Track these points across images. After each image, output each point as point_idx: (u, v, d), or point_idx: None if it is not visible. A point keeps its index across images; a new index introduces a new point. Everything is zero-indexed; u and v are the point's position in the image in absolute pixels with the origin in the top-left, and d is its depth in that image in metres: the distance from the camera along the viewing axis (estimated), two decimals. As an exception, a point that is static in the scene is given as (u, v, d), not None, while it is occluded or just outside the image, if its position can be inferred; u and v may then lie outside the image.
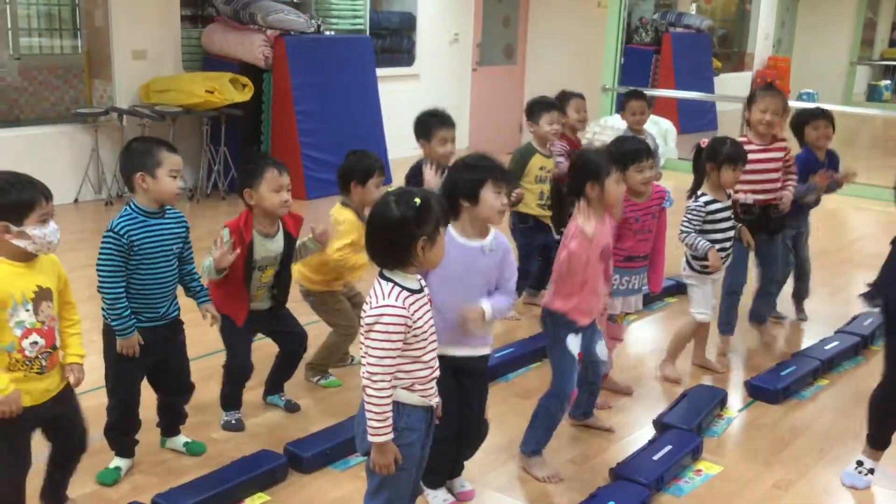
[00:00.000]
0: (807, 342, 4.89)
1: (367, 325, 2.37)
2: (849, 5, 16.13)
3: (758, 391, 4.17)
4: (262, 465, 3.26)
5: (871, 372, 4.56)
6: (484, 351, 3.04)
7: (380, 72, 8.74)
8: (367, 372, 2.37)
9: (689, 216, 4.11)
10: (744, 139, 4.45)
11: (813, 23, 16.20)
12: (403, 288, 2.40)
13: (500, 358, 4.27)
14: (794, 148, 4.81)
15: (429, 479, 3.08)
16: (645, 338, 5.01)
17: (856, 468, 3.42)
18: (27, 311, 2.64)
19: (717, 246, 4.09)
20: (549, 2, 10.96)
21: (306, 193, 7.54)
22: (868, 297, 3.46)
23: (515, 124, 10.80)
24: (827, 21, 16.06)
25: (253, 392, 3.87)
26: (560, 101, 5.29)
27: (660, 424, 3.75)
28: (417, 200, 2.38)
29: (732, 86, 13.91)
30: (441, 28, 10.06)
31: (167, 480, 3.22)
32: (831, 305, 5.49)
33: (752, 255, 4.58)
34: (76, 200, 7.35)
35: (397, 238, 2.39)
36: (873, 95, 16.71)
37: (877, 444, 3.39)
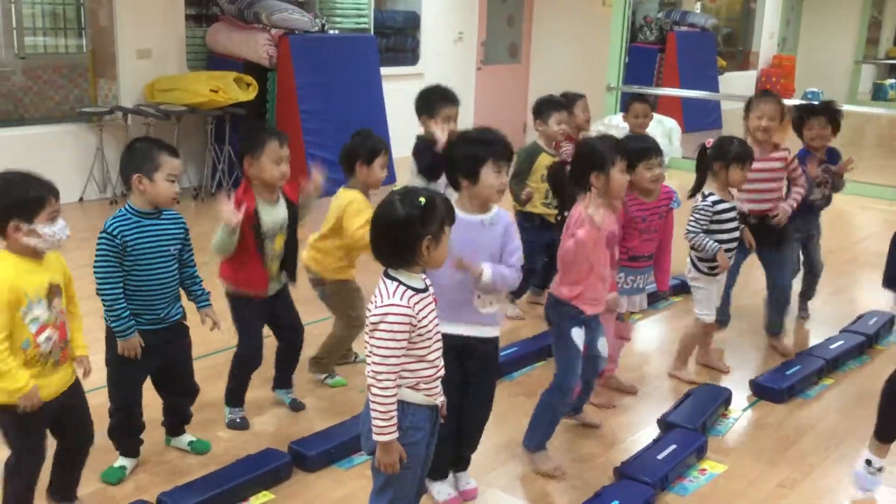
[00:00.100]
0: (812, 341, 4.88)
1: (372, 324, 2.37)
2: (854, 4, 16.10)
3: (762, 390, 4.16)
4: (267, 464, 3.26)
5: (876, 371, 4.55)
6: (491, 332, 3.03)
7: (384, 71, 8.74)
8: (372, 371, 2.37)
9: (697, 216, 4.08)
10: None
11: (818, 21, 16.17)
12: (408, 287, 2.40)
13: (504, 356, 4.26)
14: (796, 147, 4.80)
15: (430, 471, 3.07)
16: (650, 337, 5.01)
17: (865, 467, 3.35)
18: (41, 307, 2.69)
19: (724, 246, 4.08)
20: (553, 0, 10.95)
21: (310, 192, 7.55)
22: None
23: (520, 123, 10.79)
24: (832, 20, 16.03)
25: (257, 391, 3.88)
26: (568, 103, 5.29)
27: (664, 423, 3.75)
28: (422, 200, 2.38)
29: (737, 85, 13.89)
30: (445, 27, 10.05)
31: (172, 479, 3.23)
32: (836, 305, 5.48)
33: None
34: (81, 199, 7.36)
35: (402, 237, 2.39)
36: (878, 94, 16.69)
37: (884, 436, 3.32)
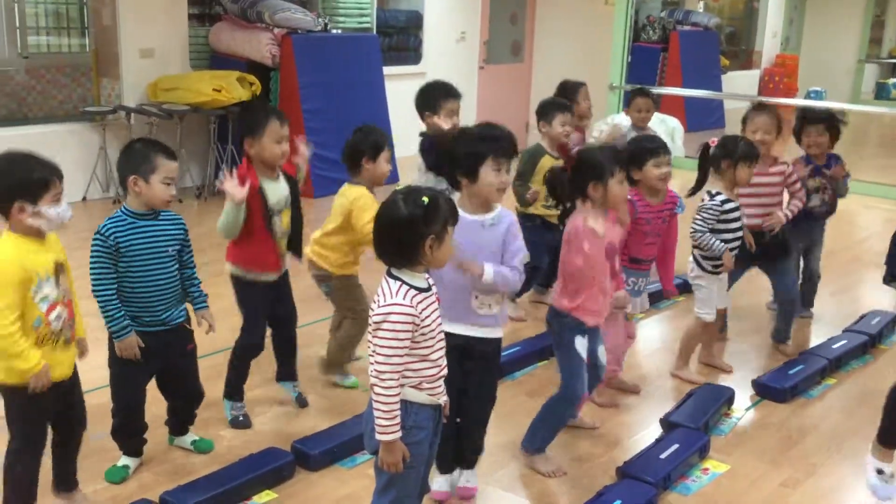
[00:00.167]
0: (814, 341, 4.88)
1: (375, 323, 2.37)
2: (857, 3, 16.08)
3: (765, 390, 4.16)
4: (270, 463, 3.26)
5: (879, 371, 4.55)
6: (493, 333, 3.02)
7: (387, 70, 8.74)
8: (375, 370, 2.37)
9: (704, 215, 4.06)
10: None
11: (821, 21, 16.14)
12: (411, 286, 2.40)
13: (507, 356, 4.25)
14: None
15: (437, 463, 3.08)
16: (652, 336, 5.00)
17: (878, 477, 3.29)
18: (50, 285, 2.74)
19: (728, 246, 4.08)
20: (556, 0, 10.95)
21: (313, 192, 7.56)
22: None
23: (522, 122, 10.78)
24: (835, 19, 16.01)
25: (260, 390, 3.88)
26: (570, 93, 5.30)
27: (667, 423, 3.75)
28: (426, 199, 2.38)
29: (740, 84, 13.89)
30: (448, 26, 10.05)
31: (175, 478, 3.23)
32: (839, 304, 5.48)
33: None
34: (84, 199, 7.37)
35: (405, 237, 2.39)
36: (881, 94, 16.65)
37: (888, 441, 3.29)
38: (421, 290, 2.42)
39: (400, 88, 8.84)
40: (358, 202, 3.72)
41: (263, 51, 7.80)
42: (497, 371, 3.24)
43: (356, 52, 8.38)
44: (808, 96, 13.79)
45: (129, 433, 3.29)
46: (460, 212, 2.68)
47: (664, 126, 6.86)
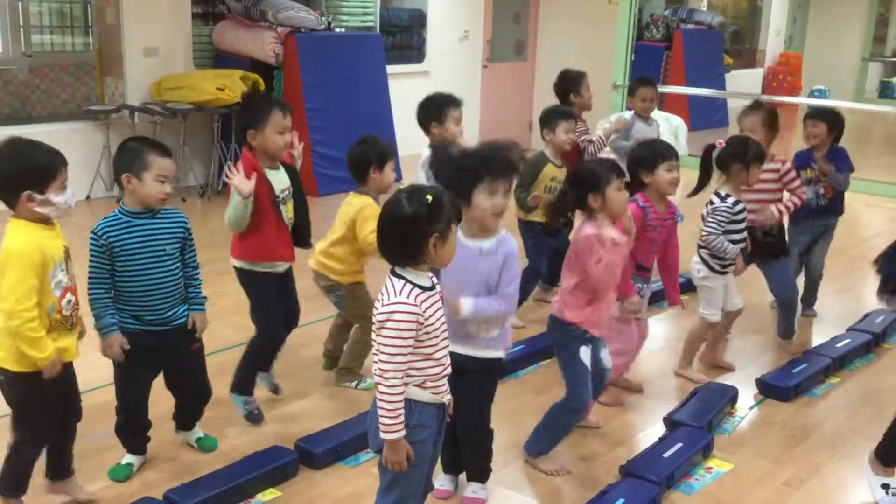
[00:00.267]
0: (818, 340, 4.87)
1: (379, 322, 2.37)
2: (861, 2, 16.06)
3: (769, 389, 4.16)
4: (273, 461, 3.27)
5: (883, 370, 4.55)
6: (486, 353, 2.98)
7: (390, 69, 8.74)
8: (379, 369, 2.37)
9: (717, 217, 4.05)
10: None
11: (825, 19, 16.13)
12: (415, 285, 2.40)
13: (510, 355, 4.24)
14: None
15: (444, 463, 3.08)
16: (655, 335, 4.98)
17: (886, 494, 3.27)
18: (62, 270, 2.77)
19: (738, 246, 4.09)
20: (559, -2, 10.95)
21: (317, 190, 7.56)
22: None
23: (525, 121, 10.79)
24: (839, 17, 15.99)
25: (260, 390, 3.87)
26: (573, 84, 5.31)
27: (670, 422, 3.75)
28: (429, 198, 2.38)
29: (744, 82, 13.88)
30: (451, 25, 10.05)
31: (179, 476, 3.24)
32: (843, 303, 5.47)
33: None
34: (88, 197, 7.39)
35: (409, 235, 2.39)
36: (885, 92, 16.61)
37: (890, 461, 3.27)
38: (425, 289, 2.42)
39: (403, 87, 8.85)
40: (363, 212, 3.73)
41: (267, 49, 7.81)
42: (493, 391, 3.12)
43: (359, 51, 8.38)
44: (811, 95, 13.77)
45: (132, 431, 3.29)
46: (459, 235, 2.63)
47: (667, 124, 6.84)
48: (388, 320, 2.35)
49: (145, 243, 3.06)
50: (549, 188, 4.76)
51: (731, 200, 4.07)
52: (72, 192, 2.77)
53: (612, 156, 5.05)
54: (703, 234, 4.08)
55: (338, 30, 8.49)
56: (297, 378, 4.10)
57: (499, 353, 3.03)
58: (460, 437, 3.10)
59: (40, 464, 2.99)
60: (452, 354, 2.77)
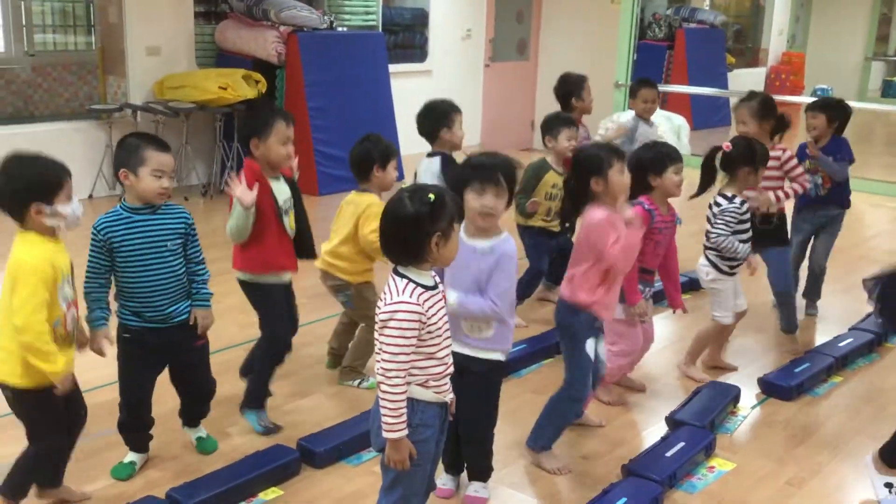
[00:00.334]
0: (821, 339, 4.87)
1: (382, 321, 2.37)
2: (864, 1, 16.04)
3: (771, 388, 4.16)
4: (276, 460, 3.27)
5: (885, 369, 4.55)
6: (483, 354, 2.98)
7: (392, 68, 8.75)
8: (382, 368, 2.38)
9: (726, 219, 4.04)
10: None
11: (828, 18, 16.11)
12: (418, 284, 2.40)
13: (512, 354, 4.23)
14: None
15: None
16: (658, 334, 4.97)
17: (888, 491, 3.27)
18: (69, 284, 2.78)
19: (747, 245, 4.10)
20: (561, -3, 10.94)
21: (318, 189, 7.56)
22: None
23: (528, 121, 10.79)
24: (842, 16, 15.97)
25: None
26: (575, 87, 5.30)
27: (673, 421, 3.75)
28: (432, 196, 2.38)
29: (746, 81, 13.81)
30: (453, 24, 10.05)
31: (181, 475, 3.24)
32: (845, 302, 5.46)
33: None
34: (91, 196, 7.39)
35: (411, 234, 2.39)
36: (888, 91, 16.61)
37: (894, 460, 3.27)
38: (427, 288, 2.42)
39: (405, 86, 8.86)
40: (371, 209, 3.73)
41: (269, 49, 7.81)
42: (493, 394, 3.11)
43: (362, 50, 8.39)
44: (814, 94, 13.74)
45: (134, 428, 3.29)
46: (461, 233, 2.69)
47: (670, 123, 6.85)
48: (390, 319, 2.35)
49: (145, 239, 3.05)
50: (549, 195, 4.76)
51: (738, 201, 4.07)
52: (78, 201, 2.77)
53: None
54: (712, 236, 4.07)
55: (340, 29, 8.50)
56: (299, 377, 4.10)
57: (496, 356, 3.02)
58: (461, 437, 3.10)
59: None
60: (453, 354, 2.77)
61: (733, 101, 11.97)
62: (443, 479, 3.18)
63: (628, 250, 3.22)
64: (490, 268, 2.89)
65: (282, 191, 3.51)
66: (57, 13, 8.12)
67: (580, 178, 3.29)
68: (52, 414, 2.83)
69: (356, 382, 4.04)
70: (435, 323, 2.42)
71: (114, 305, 3.13)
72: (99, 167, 7.42)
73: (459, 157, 3.77)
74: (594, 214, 3.25)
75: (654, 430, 3.77)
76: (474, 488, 3.19)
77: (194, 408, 3.44)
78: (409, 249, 2.41)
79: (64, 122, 7.64)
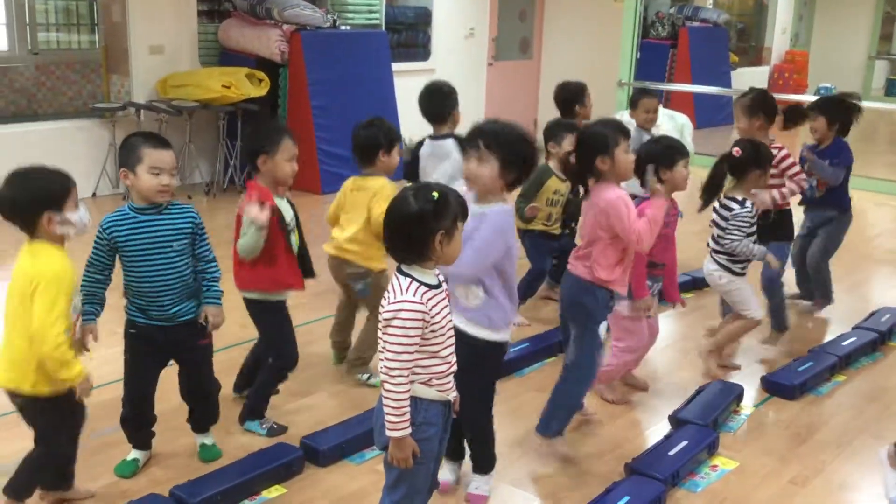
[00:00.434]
0: (824, 338, 4.86)
1: (385, 320, 2.37)
2: (867, 0, 16.02)
3: (774, 387, 4.16)
4: (279, 459, 3.27)
5: (889, 368, 4.54)
6: (472, 330, 2.91)
7: (395, 66, 8.75)
8: (385, 367, 2.38)
9: (739, 223, 4.04)
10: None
11: (831, 17, 16.09)
12: (421, 283, 2.40)
13: (515, 353, 4.26)
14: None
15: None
16: (661, 333, 4.98)
17: None
18: (78, 295, 2.81)
19: (761, 247, 4.11)
20: (564, -4, 10.94)
21: (321, 188, 7.56)
22: None
23: (530, 119, 10.78)
24: (845, 15, 15.95)
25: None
26: (577, 95, 5.29)
27: (676, 420, 3.75)
28: (435, 195, 2.38)
29: (750, 80, 13.73)
30: (456, 22, 10.05)
31: (185, 473, 3.24)
32: (848, 301, 5.46)
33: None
34: (94, 195, 7.40)
35: (415, 232, 2.39)
36: (892, 90, 16.60)
37: None
38: (431, 287, 2.42)
39: (408, 85, 8.84)
40: (383, 191, 3.71)
41: (272, 47, 7.82)
42: (484, 378, 3.05)
43: (365, 49, 8.39)
44: (817, 93, 13.73)
45: (137, 423, 3.29)
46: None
47: (673, 122, 6.82)
48: (394, 318, 2.36)
49: (150, 239, 3.04)
50: (551, 200, 4.76)
51: (748, 205, 4.08)
52: (85, 209, 2.77)
53: None
54: (726, 242, 4.07)
55: (343, 27, 8.50)
56: (302, 376, 4.09)
57: (484, 334, 2.92)
58: (462, 424, 3.08)
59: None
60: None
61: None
62: (442, 470, 3.17)
63: (654, 223, 3.23)
64: (474, 229, 2.82)
65: (285, 209, 3.50)
66: (60, 12, 8.14)
67: (586, 155, 3.27)
68: (62, 420, 2.85)
69: (366, 376, 4.03)
70: (438, 322, 2.42)
71: (122, 302, 3.14)
72: (102, 166, 7.43)
73: None
74: (607, 194, 3.23)
75: (656, 429, 3.77)
76: (475, 484, 3.19)
77: (200, 410, 3.41)
78: (412, 247, 2.41)
79: (67, 120, 7.65)
